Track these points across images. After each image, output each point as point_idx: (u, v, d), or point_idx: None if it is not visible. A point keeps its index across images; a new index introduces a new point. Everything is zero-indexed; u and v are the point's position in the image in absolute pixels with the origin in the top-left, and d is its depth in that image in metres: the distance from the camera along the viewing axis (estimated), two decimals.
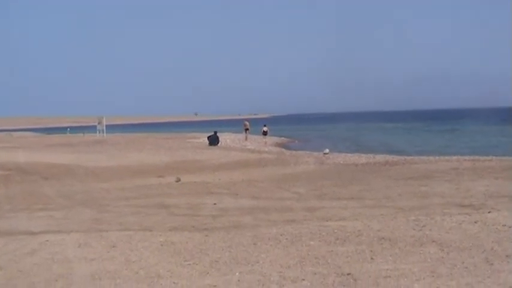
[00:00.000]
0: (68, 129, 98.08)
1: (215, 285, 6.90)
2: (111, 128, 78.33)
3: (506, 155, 30.68)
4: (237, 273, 7.39)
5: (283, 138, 61.15)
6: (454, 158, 28.71)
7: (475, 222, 10.07)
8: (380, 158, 31.40)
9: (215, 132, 45.90)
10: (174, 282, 7.10)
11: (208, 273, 7.49)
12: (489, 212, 11.18)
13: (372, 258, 7.89)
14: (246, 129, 53.49)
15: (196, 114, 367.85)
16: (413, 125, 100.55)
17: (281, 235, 9.71)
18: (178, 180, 21.26)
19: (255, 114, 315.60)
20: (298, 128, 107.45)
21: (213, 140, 44.13)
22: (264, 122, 64.29)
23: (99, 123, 63.43)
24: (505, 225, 9.66)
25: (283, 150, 43.41)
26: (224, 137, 53.23)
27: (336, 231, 9.85)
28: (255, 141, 50.76)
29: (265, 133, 51.99)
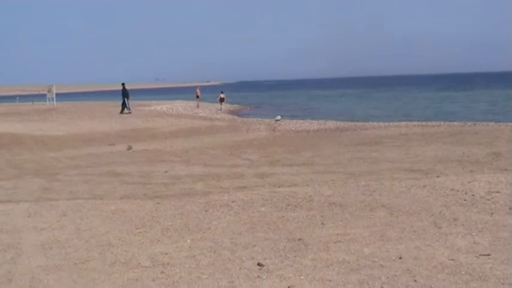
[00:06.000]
0: (17, 97, 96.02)
1: (166, 253, 6.87)
2: (61, 96, 76.97)
3: (457, 120, 31.39)
4: (188, 240, 7.38)
5: (235, 105, 60.98)
6: (403, 123, 29.14)
7: (424, 186, 10.24)
8: (331, 124, 31.72)
9: (123, 85, 41.07)
10: (125, 250, 7.05)
11: (159, 240, 7.47)
12: (437, 177, 11.41)
13: (322, 224, 7.97)
14: (197, 97, 53.22)
15: (157, 80, 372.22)
16: (364, 91, 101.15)
17: (232, 202, 9.73)
18: (129, 148, 21.11)
19: (207, 82, 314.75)
20: (250, 95, 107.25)
21: (124, 95, 40.24)
22: (220, 89, 63.91)
23: (48, 92, 61.92)
24: (453, 189, 9.85)
25: (235, 117, 43.40)
26: (176, 105, 52.92)
27: (287, 197, 9.91)
28: (206, 108, 50.55)
29: (222, 100, 51.87)
